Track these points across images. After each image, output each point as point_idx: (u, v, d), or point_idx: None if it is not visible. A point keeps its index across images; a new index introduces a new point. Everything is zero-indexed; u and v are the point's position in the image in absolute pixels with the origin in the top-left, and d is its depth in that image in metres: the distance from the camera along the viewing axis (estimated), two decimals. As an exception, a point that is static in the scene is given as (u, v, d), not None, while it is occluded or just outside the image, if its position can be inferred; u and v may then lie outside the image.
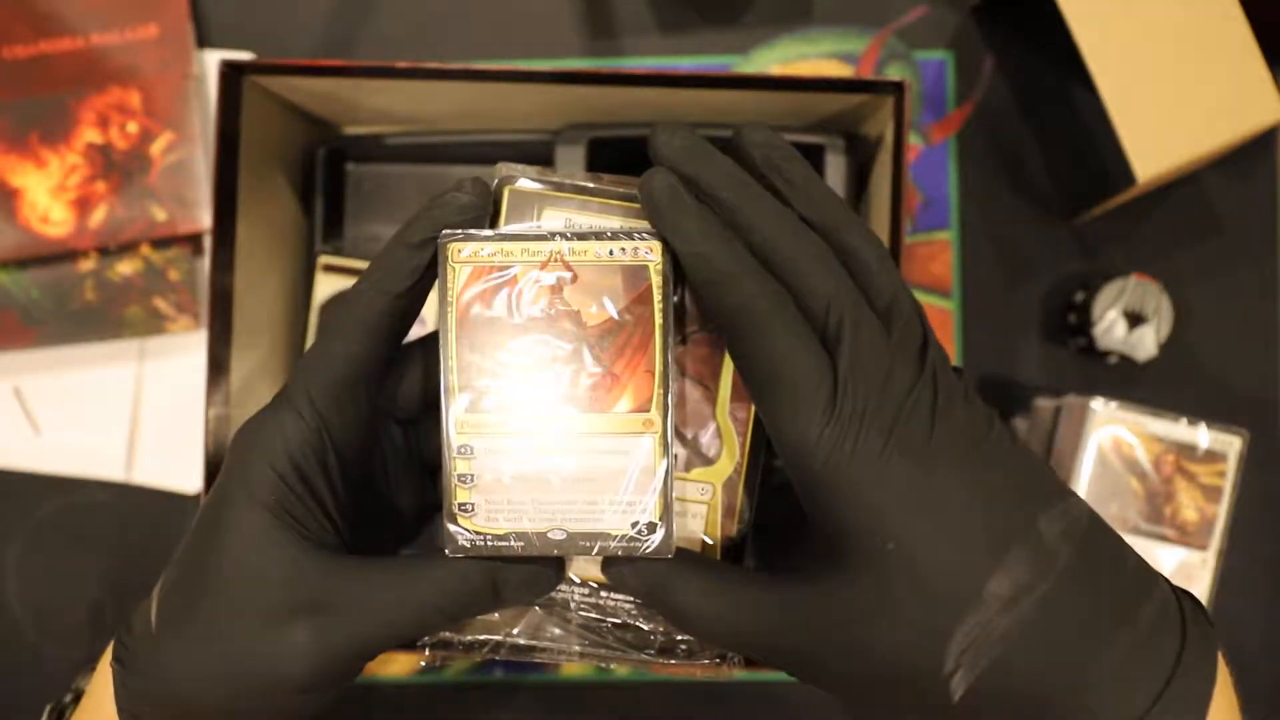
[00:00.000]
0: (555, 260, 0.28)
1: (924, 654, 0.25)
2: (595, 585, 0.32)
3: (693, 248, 0.27)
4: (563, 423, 0.28)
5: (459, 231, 0.28)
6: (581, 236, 0.28)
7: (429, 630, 0.30)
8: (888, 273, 0.27)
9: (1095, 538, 0.26)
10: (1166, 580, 0.27)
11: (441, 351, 0.28)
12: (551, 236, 0.28)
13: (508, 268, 0.28)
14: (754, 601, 0.28)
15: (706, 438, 0.31)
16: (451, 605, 0.29)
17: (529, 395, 0.28)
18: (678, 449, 0.31)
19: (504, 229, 0.29)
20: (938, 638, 0.25)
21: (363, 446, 0.30)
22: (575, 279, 0.28)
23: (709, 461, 0.32)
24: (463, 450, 0.28)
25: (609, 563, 0.29)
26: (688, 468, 0.32)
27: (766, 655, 0.28)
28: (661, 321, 0.28)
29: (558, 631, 0.36)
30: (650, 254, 0.28)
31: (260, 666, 0.27)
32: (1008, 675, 0.25)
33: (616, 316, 0.28)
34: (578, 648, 0.36)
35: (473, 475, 0.28)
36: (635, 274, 0.28)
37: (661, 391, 0.28)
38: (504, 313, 0.28)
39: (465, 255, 0.28)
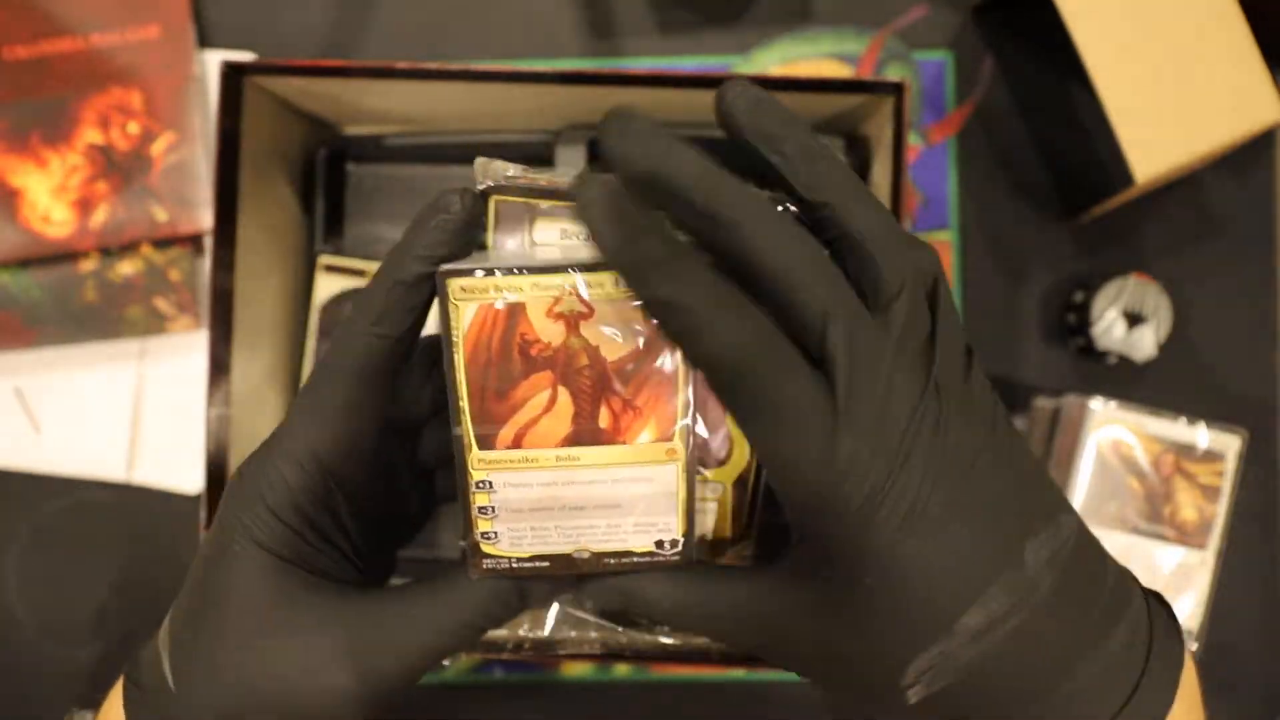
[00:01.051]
0: (569, 295, 0.26)
1: (883, 668, 0.25)
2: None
3: (653, 292, 0.23)
4: (583, 456, 0.27)
5: (460, 266, 0.26)
6: (595, 268, 0.26)
7: (464, 647, 0.30)
8: (897, 255, 0.25)
9: (1079, 560, 0.25)
10: (1141, 591, 0.27)
11: (449, 389, 0.27)
12: (564, 269, 0.26)
13: (516, 304, 0.26)
14: (723, 591, 0.28)
15: (718, 441, 0.31)
16: (485, 622, 0.29)
17: (546, 430, 0.27)
18: None
19: (512, 260, 0.27)
20: (899, 659, 0.24)
21: (370, 479, 0.30)
22: (592, 314, 0.26)
23: (721, 463, 0.31)
24: (481, 485, 0.27)
25: (585, 580, 0.29)
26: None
27: (731, 639, 0.28)
28: None
29: (574, 631, 0.36)
30: None
31: (306, 713, 0.27)
32: (966, 696, 0.25)
33: (638, 349, 0.27)
34: (595, 634, 0.35)
35: (493, 507, 0.28)
36: None
37: (686, 421, 0.27)
38: (515, 351, 0.26)
39: (469, 291, 0.26)
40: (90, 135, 0.57)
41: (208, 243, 0.58)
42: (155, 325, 0.58)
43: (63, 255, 0.57)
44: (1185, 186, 0.58)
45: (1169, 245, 0.58)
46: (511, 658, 0.43)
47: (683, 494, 0.28)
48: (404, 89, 0.47)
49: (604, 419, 0.27)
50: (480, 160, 0.29)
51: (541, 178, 0.28)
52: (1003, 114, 0.59)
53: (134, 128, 0.57)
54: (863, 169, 0.50)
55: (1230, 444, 0.52)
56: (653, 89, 0.45)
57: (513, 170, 0.28)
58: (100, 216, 0.57)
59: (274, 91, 0.48)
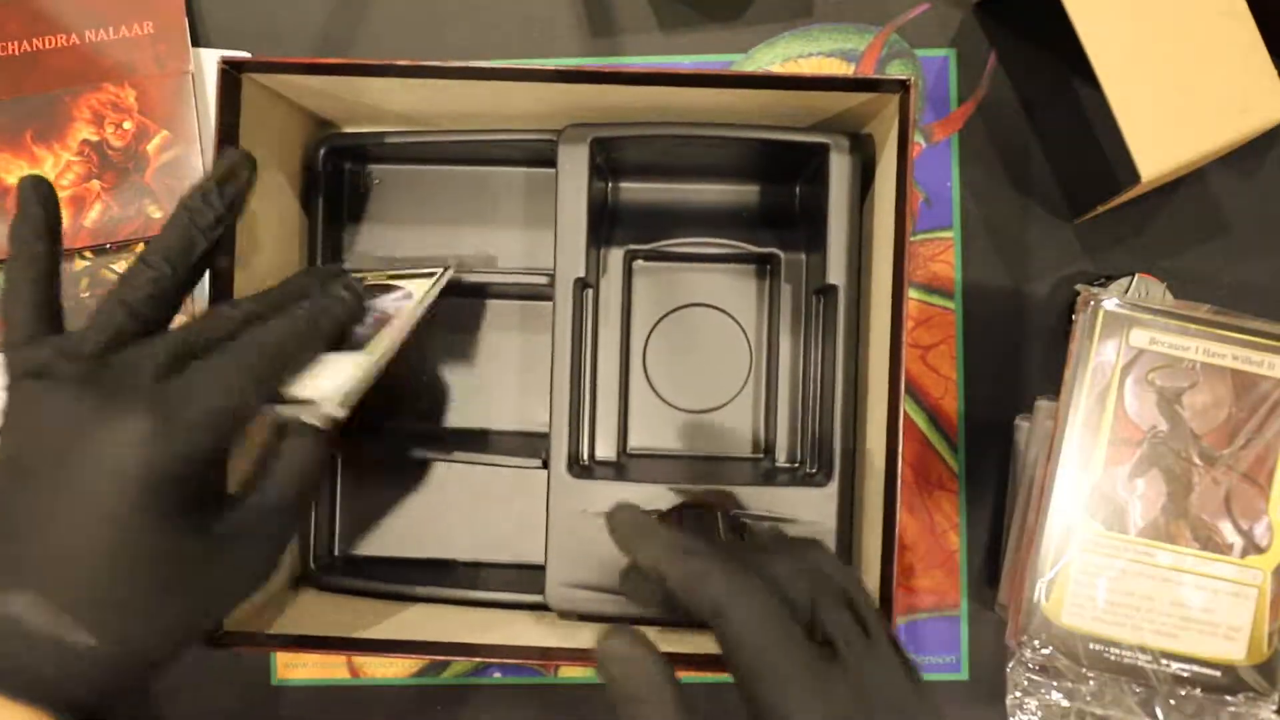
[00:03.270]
0: None
1: None
2: None
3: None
4: None
5: None
6: None
7: None
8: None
9: None
10: None
11: None
12: None
13: None
14: None
15: (1260, 530, 0.41)
16: None
17: None
18: (1236, 539, 0.42)
19: None
20: None
21: None
22: None
23: (1260, 550, 0.41)
24: None
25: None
26: (1242, 554, 0.40)
27: None
28: None
29: None
30: None
31: None
32: None
33: None
34: None
35: None
36: None
37: None
38: None
39: None
40: (84, 132, 0.57)
41: (204, 242, 0.57)
42: (151, 325, 0.57)
43: (57, 254, 0.57)
44: (1191, 184, 0.58)
45: (1174, 244, 0.58)
46: (511, 661, 0.42)
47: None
48: (404, 86, 0.47)
49: None
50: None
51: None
52: (1006, 111, 0.58)
53: (128, 125, 0.57)
54: (867, 168, 0.49)
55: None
56: (654, 88, 0.45)
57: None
58: (94, 214, 0.56)
59: (273, 89, 0.48)
